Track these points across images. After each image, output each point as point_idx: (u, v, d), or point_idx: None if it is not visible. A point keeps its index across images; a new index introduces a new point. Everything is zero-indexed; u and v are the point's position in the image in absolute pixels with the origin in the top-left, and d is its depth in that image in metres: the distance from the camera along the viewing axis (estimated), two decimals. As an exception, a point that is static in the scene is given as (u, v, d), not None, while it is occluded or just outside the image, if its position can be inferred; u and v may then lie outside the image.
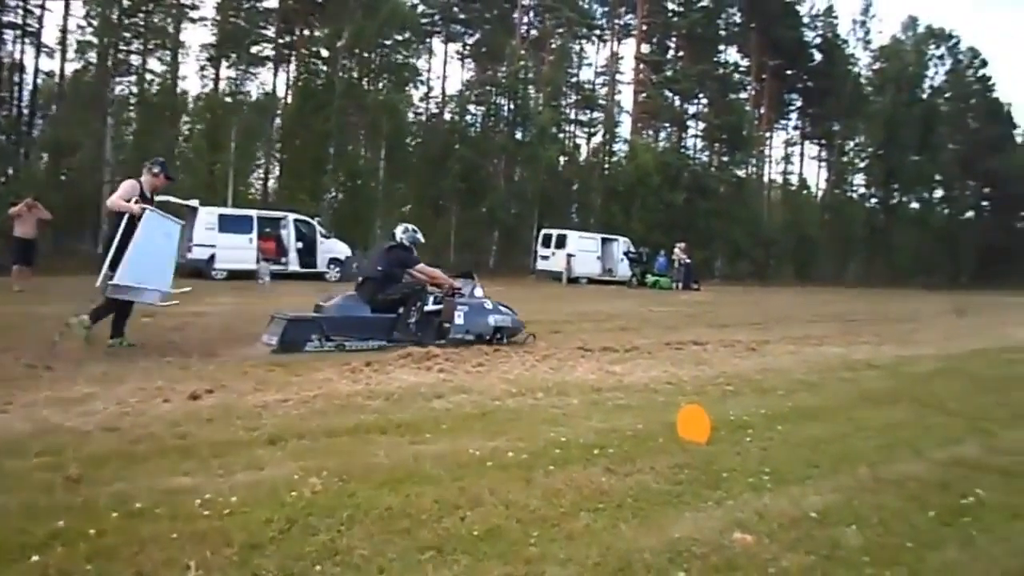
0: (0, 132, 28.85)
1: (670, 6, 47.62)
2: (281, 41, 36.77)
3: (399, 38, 36.90)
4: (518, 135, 38.62)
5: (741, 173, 48.44)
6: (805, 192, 55.82)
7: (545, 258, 30.67)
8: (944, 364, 9.74)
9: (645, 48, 47.79)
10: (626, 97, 48.59)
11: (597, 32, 48.93)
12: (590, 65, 49.31)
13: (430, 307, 9.14)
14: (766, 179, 54.31)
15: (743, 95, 50.54)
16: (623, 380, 7.14)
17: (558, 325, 10.33)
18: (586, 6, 47.45)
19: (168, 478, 3.60)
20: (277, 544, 2.88)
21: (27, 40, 29.98)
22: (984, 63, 62.73)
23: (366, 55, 35.44)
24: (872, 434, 5.41)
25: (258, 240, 21.58)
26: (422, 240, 9.66)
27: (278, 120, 35.41)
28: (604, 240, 31.55)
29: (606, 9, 48.41)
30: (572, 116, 47.12)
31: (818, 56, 53.50)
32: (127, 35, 30.20)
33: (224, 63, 34.39)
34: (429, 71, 43.92)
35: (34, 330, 8.45)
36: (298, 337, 8.09)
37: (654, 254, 33.01)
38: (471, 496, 3.52)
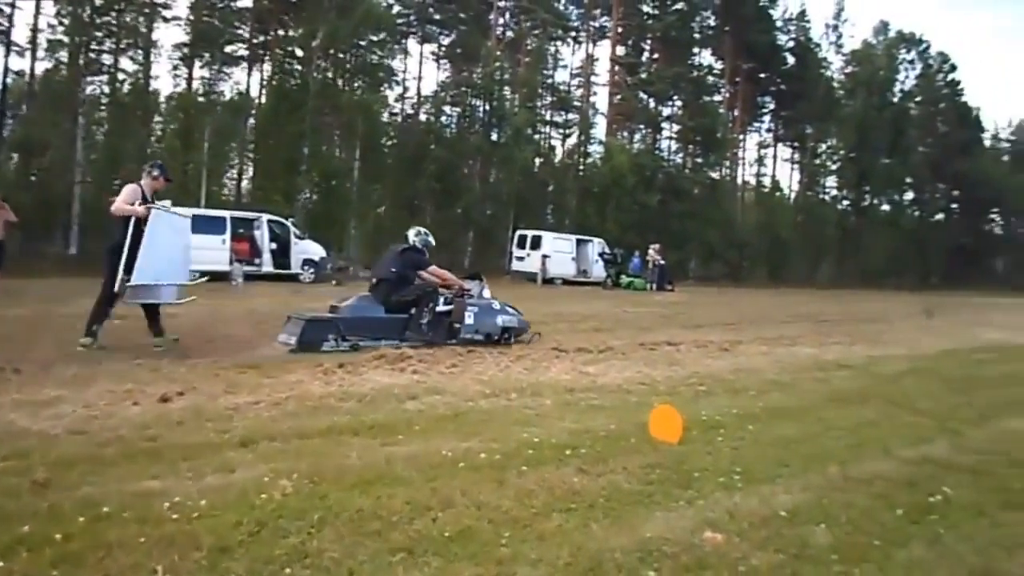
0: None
1: (645, 9, 47.88)
2: (255, 41, 36.51)
3: (374, 38, 36.77)
4: (493, 136, 38.64)
5: (715, 175, 48.85)
6: (778, 194, 56.33)
7: (520, 259, 30.70)
8: (914, 364, 9.87)
9: (620, 50, 48.00)
10: (601, 99, 48.83)
11: (572, 34, 49.12)
12: (565, 67, 49.50)
13: (441, 308, 9.33)
14: (739, 181, 54.73)
15: (717, 98, 50.95)
16: (597, 381, 7.16)
17: (533, 326, 10.33)
18: (561, 8, 47.59)
19: (136, 481, 3.56)
20: (246, 547, 2.86)
21: (-3, 39, 29.58)
22: (953, 67, 63.70)
23: (341, 55, 35.29)
24: (842, 433, 5.47)
25: (231, 241, 21.38)
26: (433, 243, 9.99)
27: (252, 120, 35.12)
28: (579, 241, 31.65)
29: (581, 11, 48.59)
30: (547, 117, 47.20)
31: (791, 60, 54.06)
32: (99, 34, 29.82)
33: (197, 63, 34.12)
34: (405, 72, 43.87)
35: (2, 333, 8.33)
36: (316, 337, 8.27)
37: (628, 255, 33.16)
38: (443, 497, 3.51)
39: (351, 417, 5.09)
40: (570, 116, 47.78)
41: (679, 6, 47.41)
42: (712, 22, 50.49)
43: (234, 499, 3.34)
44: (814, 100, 52.19)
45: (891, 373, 8.95)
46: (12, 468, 3.71)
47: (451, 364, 7.58)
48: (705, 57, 51.40)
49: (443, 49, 46.24)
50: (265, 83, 36.54)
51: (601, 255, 31.73)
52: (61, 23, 28.59)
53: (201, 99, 33.19)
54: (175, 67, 33.99)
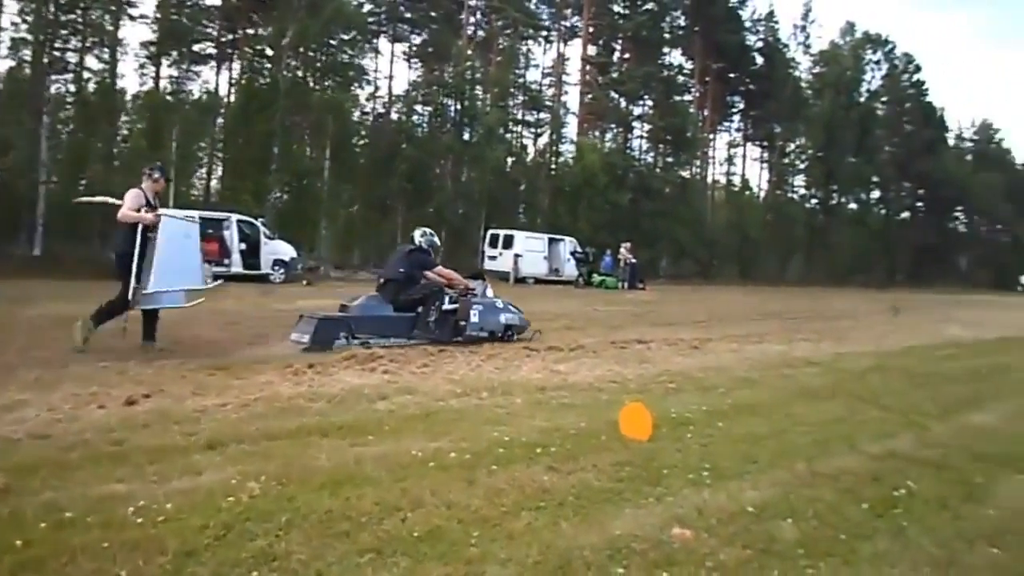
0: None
1: (616, 8, 48.05)
2: (223, 39, 36.15)
3: (345, 37, 36.56)
4: (465, 135, 38.59)
5: (685, 174, 49.21)
6: (747, 193, 56.84)
7: (492, 258, 30.69)
8: (880, 361, 9.99)
9: (591, 50, 48.14)
10: (572, 98, 48.95)
11: (544, 33, 49.19)
12: (537, 66, 49.61)
13: (447, 307, 9.57)
14: (710, 180, 55.15)
15: (687, 97, 51.23)
16: (568, 379, 7.18)
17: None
18: (532, 7, 47.64)
19: (101, 486, 3.51)
20: (212, 551, 2.83)
21: (-43, 37, 28.97)
22: (918, 68, 64.74)
23: (311, 54, 35.02)
24: (809, 429, 5.53)
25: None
26: (439, 243, 10.42)
27: (221, 119, 34.76)
28: (551, 240, 31.70)
29: (552, 10, 48.67)
30: (519, 117, 47.24)
31: (760, 60, 54.58)
32: (64, 32, 29.32)
33: (165, 61, 33.69)
34: (376, 71, 43.66)
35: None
36: (328, 335, 8.46)
37: (600, 254, 33.30)
38: (412, 497, 3.50)
39: (320, 418, 5.06)
40: (542, 115, 47.89)
41: (649, 6, 47.65)
42: (682, 22, 50.77)
43: (200, 502, 3.31)
44: (782, 100, 52.73)
45: (857, 369, 9.06)
46: (-28, 474, 3.63)
47: (422, 364, 7.56)
48: (675, 57, 51.67)
49: (414, 48, 46.13)
50: (234, 82, 36.22)
51: (573, 254, 31.81)
52: (24, 20, 28.06)
53: (169, 98, 32.79)
54: (142, 65, 33.56)
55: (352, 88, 38.20)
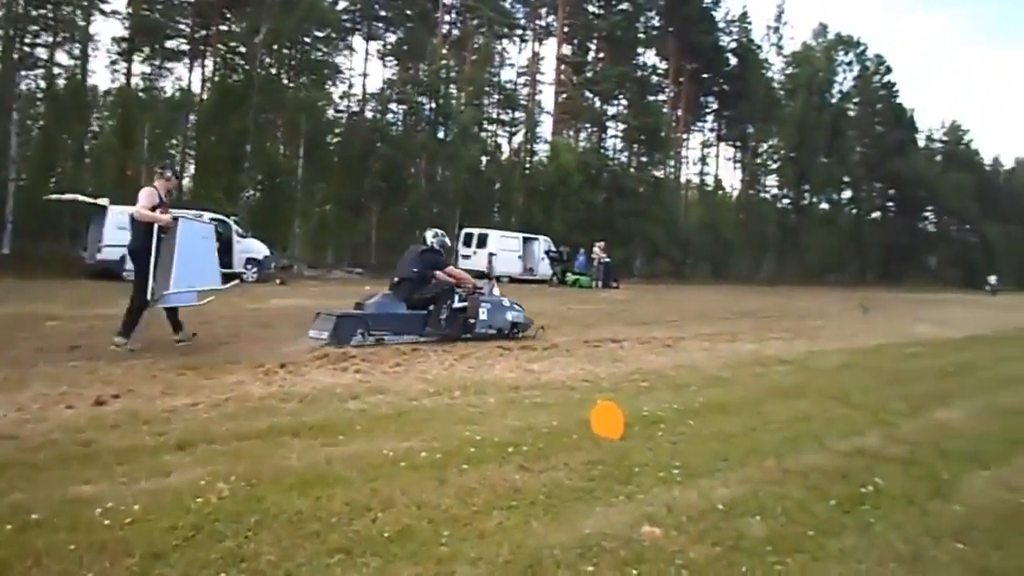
0: None
1: (590, 8, 48.17)
2: (196, 36, 35.76)
3: (319, 35, 36.34)
4: (440, 134, 38.51)
5: (659, 174, 49.49)
6: (721, 193, 57.27)
7: (467, 257, 30.63)
8: (849, 359, 10.11)
9: (566, 49, 48.23)
10: (547, 97, 49.02)
11: (518, 32, 49.15)
12: (512, 65, 49.51)
13: (457, 305, 9.89)
14: (683, 180, 55.46)
15: (661, 97, 51.49)
16: (541, 378, 7.20)
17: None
18: (507, 6, 47.59)
19: (68, 487, 3.47)
20: (181, 552, 2.81)
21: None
22: (889, 69, 65.57)
23: (285, 51, 34.78)
24: (779, 427, 5.58)
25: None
26: (448, 243, 10.60)
27: (193, 117, 34.41)
28: (525, 239, 31.72)
29: (527, 10, 48.67)
30: (494, 115, 47.16)
31: (733, 60, 54.95)
32: (34, 27, 28.93)
33: (137, 58, 33.27)
34: (350, 69, 43.40)
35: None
36: (346, 332, 8.74)
37: (574, 253, 33.35)
38: (383, 497, 3.50)
39: (292, 418, 5.04)
40: (516, 114, 47.83)
41: (624, 6, 47.83)
42: (656, 22, 51.00)
43: (169, 503, 3.28)
44: (755, 100, 53.18)
45: (828, 367, 9.16)
46: (-64, 475, 3.58)
47: (395, 363, 7.54)
48: (649, 57, 51.90)
49: (388, 47, 45.87)
50: (207, 79, 35.86)
51: (547, 253, 31.86)
52: (-7, 16, 27.69)
53: (141, 95, 32.39)
54: (113, 62, 33.11)
55: (326, 86, 38.02)
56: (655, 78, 51.39)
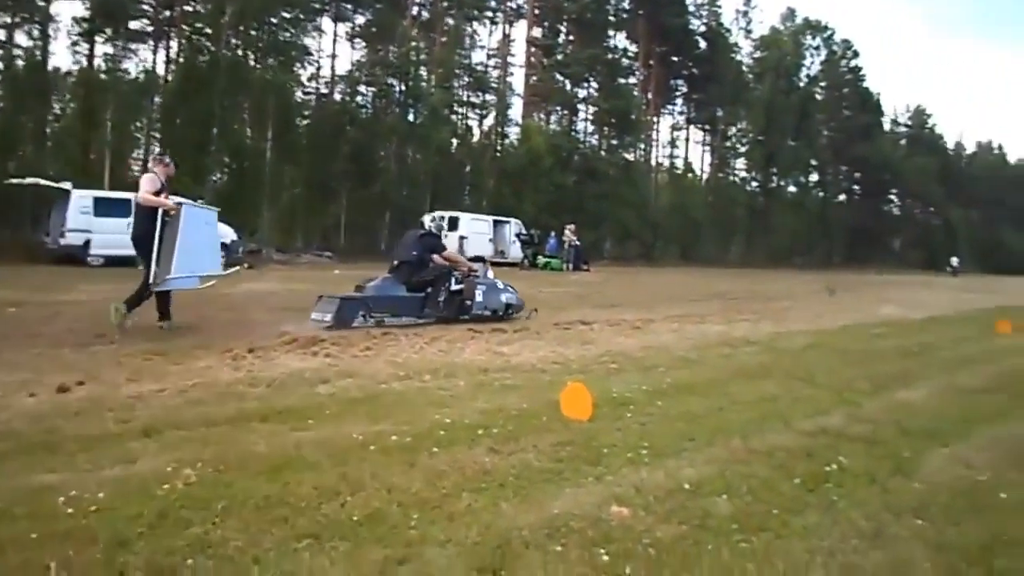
0: None
1: (561, -10, 48.04)
2: (161, 17, 35.05)
3: (286, 15, 35.85)
4: (410, 117, 38.25)
5: (629, 156, 49.62)
6: (690, 176, 57.58)
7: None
8: (815, 340, 10.22)
9: (536, 31, 48.13)
10: (518, 80, 48.93)
11: (489, 14, 48.87)
12: (482, 47, 49.28)
13: (454, 287, 10.17)
14: (653, 163, 55.65)
15: (631, 80, 51.56)
16: (511, 361, 7.21)
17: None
18: (477, -13, 47.32)
19: (30, 476, 3.42)
20: (146, 540, 2.78)
21: None
22: (856, 54, 66.26)
23: (252, 32, 34.28)
24: (746, 407, 5.63)
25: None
26: (446, 228, 10.53)
27: (158, 99, 33.80)
28: (496, 222, 31.71)
29: (498, -9, 48.43)
30: (464, 98, 46.94)
31: (703, 44, 55.15)
32: (-9, 7, 28.25)
33: (99, 39, 32.51)
34: (319, 50, 42.87)
35: None
36: (349, 314, 8.98)
37: (545, 236, 33.40)
38: (352, 481, 3.49)
39: (260, 403, 5.00)
40: (487, 97, 47.67)
41: (594, -12, 47.74)
42: (626, 5, 51.06)
43: (134, 491, 3.24)
44: (724, 84, 53.49)
45: (794, 348, 9.26)
46: None
47: (365, 347, 7.51)
48: (620, 40, 52.00)
49: (358, 28, 45.38)
50: (172, 60, 35.23)
51: (518, 236, 31.89)
52: (-52, -5, 26.97)
53: (103, 76, 31.73)
54: (75, 43, 32.27)
55: (294, 68, 37.56)
56: (625, 61, 51.54)
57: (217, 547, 2.75)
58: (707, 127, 58.61)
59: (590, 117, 49.98)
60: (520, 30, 49.39)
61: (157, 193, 8.23)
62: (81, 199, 19.86)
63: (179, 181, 27.36)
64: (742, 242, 56.19)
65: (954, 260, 52.59)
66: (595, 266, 32.43)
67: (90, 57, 32.48)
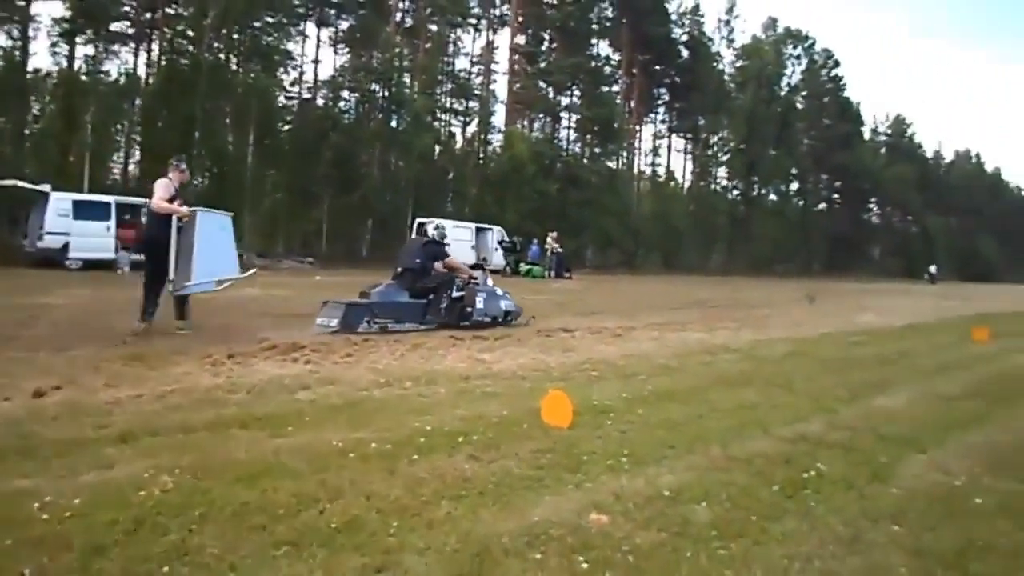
0: None
1: (544, -2, 48.21)
2: (142, 19, 34.80)
3: (269, 20, 35.72)
4: (392, 123, 38.19)
5: (612, 164, 49.79)
6: (672, 184, 57.85)
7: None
8: (795, 347, 10.28)
9: (520, 39, 48.20)
10: (501, 87, 48.95)
11: (472, 21, 48.91)
12: (466, 54, 49.38)
13: (455, 294, 10.40)
14: (635, 171, 55.87)
15: (614, 88, 51.79)
16: (492, 368, 7.21)
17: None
18: (462, -6, 47.35)
19: (5, 482, 3.37)
20: (122, 546, 2.75)
21: None
22: (836, 63, 66.97)
23: (234, 36, 34.12)
24: (725, 414, 5.66)
25: (117, 228, 20.49)
26: (448, 235, 11.75)
27: (139, 101, 33.52)
28: (478, 229, 31.67)
29: (481, -2, 48.50)
30: (447, 105, 46.94)
31: (685, 53, 55.48)
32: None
33: (79, 40, 32.22)
34: (302, 55, 42.71)
35: None
36: (354, 319, 9.18)
37: (527, 243, 33.43)
38: (331, 488, 3.47)
39: (239, 409, 4.97)
40: (470, 104, 47.67)
41: (578, -4, 47.93)
42: (609, 14, 51.27)
43: (110, 497, 3.21)
44: (706, 93, 53.83)
45: (774, 356, 9.31)
46: None
47: (346, 354, 7.49)
48: (603, 48, 52.23)
49: (341, 33, 45.25)
50: (153, 63, 34.97)
51: (500, 243, 31.87)
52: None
53: (84, 78, 31.44)
54: (55, 44, 31.95)
55: (277, 72, 37.40)
56: (608, 69, 51.75)
57: (194, 554, 2.73)
58: (689, 135, 58.94)
59: (573, 125, 50.15)
60: (504, 37, 49.56)
61: (171, 199, 8.32)
62: (60, 201, 19.70)
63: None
64: (723, 250, 56.50)
65: (932, 268, 53.19)
66: (577, 274, 32.50)
67: (71, 58, 32.19)
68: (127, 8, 34.15)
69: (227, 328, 9.01)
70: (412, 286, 10.12)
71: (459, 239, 30.14)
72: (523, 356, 8.05)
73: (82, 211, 20.00)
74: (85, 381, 5.54)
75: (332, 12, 43.73)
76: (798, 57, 64.93)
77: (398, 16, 44.43)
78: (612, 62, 52.52)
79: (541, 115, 49.31)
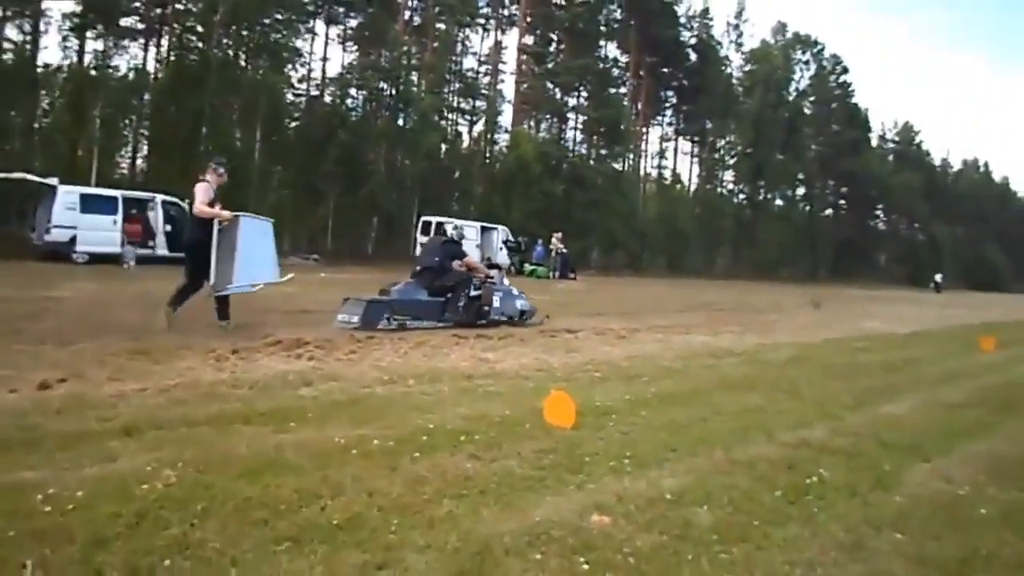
0: None
1: (553, -1, 48.20)
2: (152, 14, 34.88)
3: (279, 17, 35.78)
4: (400, 121, 38.22)
5: (618, 166, 49.75)
6: (678, 187, 57.78)
7: (424, 245, 30.45)
8: (800, 352, 10.27)
9: (528, 39, 48.24)
10: (508, 87, 48.97)
11: (481, 21, 48.94)
12: (474, 54, 49.36)
13: (472, 293, 10.53)
14: (642, 173, 55.81)
15: (621, 90, 51.75)
16: (495, 367, 7.21)
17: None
18: (470, -6, 47.37)
19: (9, 473, 3.38)
20: (124, 540, 2.75)
21: None
22: (845, 69, 66.74)
23: (243, 33, 34.17)
24: (729, 418, 5.65)
25: (123, 222, 20.53)
26: (466, 235, 11.25)
27: (148, 96, 33.60)
28: (484, 228, 31.64)
29: (490, -2, 48.50)
30: (454, 104, 46.97)
31: (693, 56, 55.39)
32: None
33: (89, 35, 32.32)
34: (311, 52, 42.77)
35: None
36: (375, 316, 9.30)
37: (532, 243, 33.39)
38: (333, 485, 3.47)
39: (242, 404, 4.97)
40: (477, 103, 47.70)
41: (587, -2, 47.95)
42: (618, 15, 51.22)
43: (113, 490, 3.21)
44: (714, 96, 53.76)
45: (778, 360, 9.30)
46: None
47: (350, 351, 7.50)
48: (611, 50, 52.19)
49: (349, 31, 45.31)
50: (162, 59, 35.05)
51: (505, 243, 31.85)
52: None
53: (93, 72, 31.53)
54: (65, 38, 32.07)
55: (285, 69, 37.44)
56: (616, 71, 51.70)
57: (195, 548, 2.74)
58: (696, 139, 58.87)
59: (579, 126, 50.14)
60: (512, 37, 49.56)
61: (211, 203, 8.46)
62: (68, 195, 19.72)
63: (167, 180, 27.34)
64: (729, 254, 56.44)
65: (938, 276, 53.03)
66: (582, 275, 32.46)
67: (80, 53, 32.32)
68: (137, 3, 34.18)
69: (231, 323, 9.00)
70: (431, 284, 10.27)
71: (464, 238, 30.20)
72: (526, 356, 8.05)
73: (89, 205, 20.01)
74: (90, 374, 5.55)
75: (341, 10, 43.78)
76: (806, 62, 64.84)
77: (407, 15, 44.49)
78: (620, 64, 52.52)
79: (548, 116, 49.29)
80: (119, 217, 20.41)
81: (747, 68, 59.25)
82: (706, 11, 55.98)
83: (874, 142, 72.79)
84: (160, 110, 32.25)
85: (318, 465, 3.74)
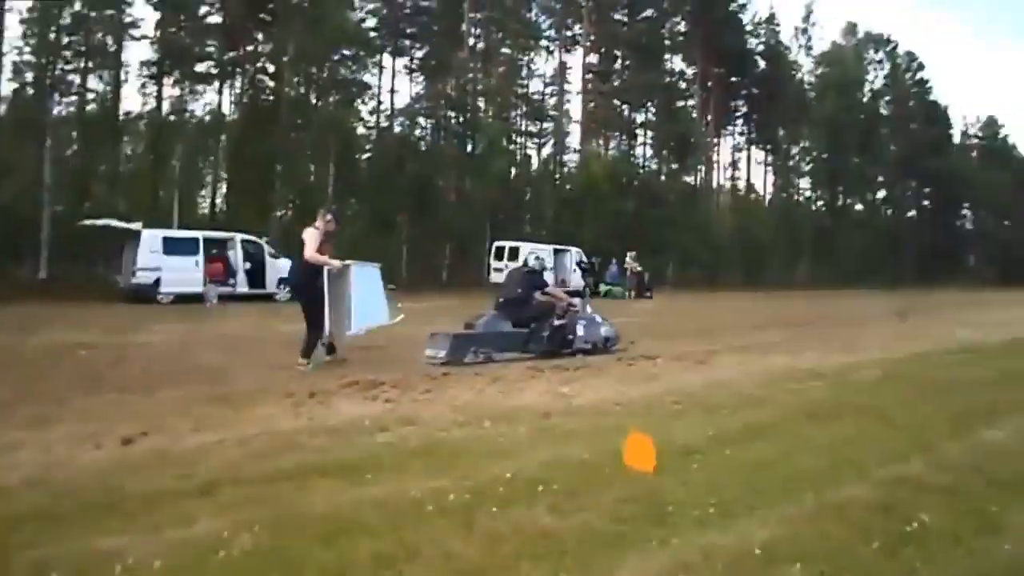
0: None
1: (616, 16, 48.10)
2: (225, 58, 36.15)
3: (347, 53, 36.62)
4: (468, 148, 38.58)
5: (690, 180, 49.18)
6: (753, 197, 56.73)
7: (499, 271, 30.53)
8: (888, 370, 9.83)
9: (593, 58, 48.26)
10: (575, 107, 49.01)
11: (545, 43, 49.19)
12: (540, 76, 49.59)
13: (556, 322, 10.59)
14: (715, 185, 55.04)
15: (690, 103, 51.21)
16: (572, 402, 7.07)
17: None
18: (533, 18, 47.66)
19: (91, 539, 3.40)
20: (200, 615, 2.74)
21: (-41, 61, 29.07)
22: (921, 66, 64.73)
23: (313, 70, 35.08)
24: (816, 453, 5.35)
25: (205, 262, 21.17)
26: (547, 264, 12.36)
27: (224, 137, 34.78)
28: (556, 251, 31.52)
29: (553, 20, 48.70)
30: (522, 127, 47.23)
31: (762, 63, 54.51)
32: (66, 53, 29.48)
33: (167, 81, 33.70)
34: (379, 85, 43.64)
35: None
36: (461, 350, 9.42)
37: (605, 263, 33.13)
38: (409, 547, 3.38)
39: (319, 455, 4.94)
40: (544, 125, 47.86)
41: (649, 12, 47.70)
42: (682, 28, 50.83)
43: (190, 558, 3.20)
44: (786, 103, 52.72)
45: (865, 381, 8.91)
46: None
47: (425, 389, 7.47)
48: (676, 63, 51.77)
49: (416, 62, 46.13)
50: (236, 100, 36.25)
51: (579, 264, 31.68)
52: (28, 44, 28.28)
53: (172, 117, 32.80)
54: (143, 85, 33.49)
55: (355, 103, 38.26)
56: (683, 84, 51.25)
57: (270, 623, 2.69)
58: (769, 147, 57.80)
59: (649, 141, 49.81)
60: (576, 58, 49.64)
61: (320, 248, 8.77)
62: (151, 238, 20.45)
63: (245, 219, 28.13)
64: (808, 263, 54.95)
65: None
66: (658, 292, 32.06)
67: (159, 99, 33.64)
68: (211, 47, 35.44)
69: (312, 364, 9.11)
70: (514, 316, 10.42)
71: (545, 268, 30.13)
72: (604, 388, 7.90)
73: (172, 247, 20.71)
74: (172, 425, 5.64)
75: (407, 42, 44.62)
76: (880, 61, 63.20)
77: (471, 42, 45.00)
78: (686, 76, 52.03)
79: (616, 133, 49.13)
80: (200, 257, 21.05)
81: (819, 72, 57.97)
82: (772, 17, 55.13)
83: (956, 139, 70.28)
84: (236, 150, 33.31)
85: (394, 525, 3.65)
